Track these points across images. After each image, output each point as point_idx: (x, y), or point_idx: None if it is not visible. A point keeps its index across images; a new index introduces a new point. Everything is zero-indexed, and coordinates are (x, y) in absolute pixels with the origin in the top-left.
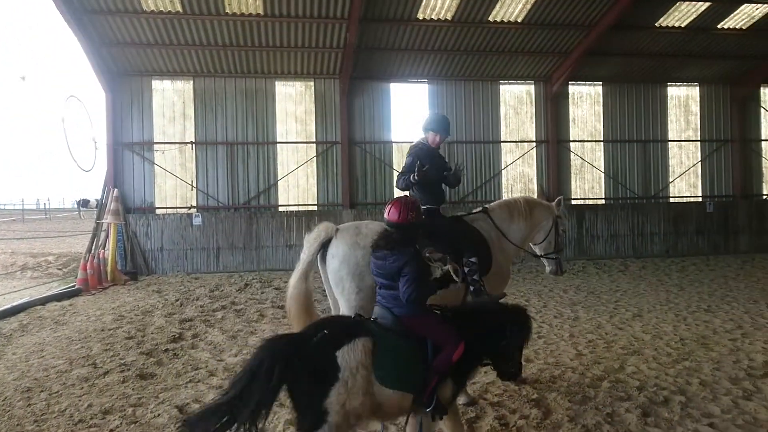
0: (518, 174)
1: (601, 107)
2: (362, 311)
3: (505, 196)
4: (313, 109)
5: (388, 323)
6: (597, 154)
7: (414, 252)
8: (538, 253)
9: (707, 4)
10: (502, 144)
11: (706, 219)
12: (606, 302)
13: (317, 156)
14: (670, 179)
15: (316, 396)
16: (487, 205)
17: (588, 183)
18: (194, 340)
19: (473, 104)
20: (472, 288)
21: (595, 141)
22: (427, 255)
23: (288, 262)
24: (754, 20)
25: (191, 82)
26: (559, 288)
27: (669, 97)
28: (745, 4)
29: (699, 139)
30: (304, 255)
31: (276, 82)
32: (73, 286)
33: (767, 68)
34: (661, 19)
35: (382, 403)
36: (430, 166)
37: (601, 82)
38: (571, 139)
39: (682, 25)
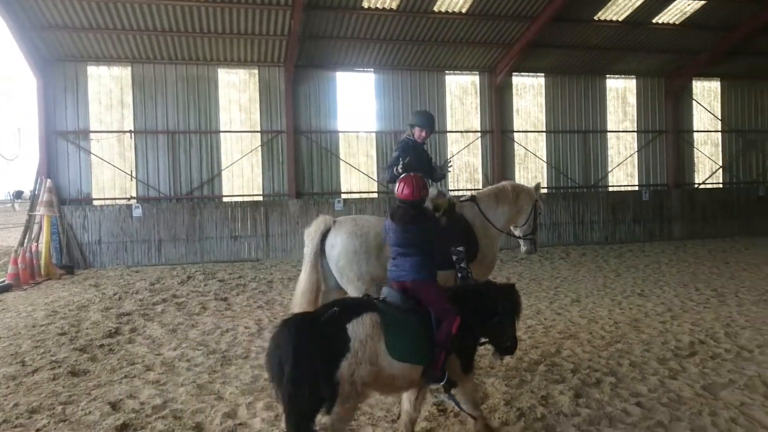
0: (464, 164)
1: (544, 98)
2: (366, 294)
3: (450, 186)
4: (258, 97)
5: (395, 301)
6: (540, 145)
7: (436, 221)
8: (518, 234)
9: None
10: (447, 134)
11: (642, 207)
12: (546, 288)
13: (262, 145)
14: (609, 169)
15: (329, 367)
16: (475, 193)
17: (531, 173)
18: (132, 334)
19: (419, 94)
20: (459, 275)
21: (538, 131)
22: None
23: (233, 254)
24: (686, 16)
25: (129, 68)
26: (502, 276)
27: (608, 89)
28: (678, 0)
29: (636, 130)
30: (308, 248)
31: (219, 70)
32: (3, 281)
33: (699, 62)
34: (600, 12)
35: (395, 376)
36: (414, 160)
37: (543, 74)
38: (515, 129)
39: (620, 19)
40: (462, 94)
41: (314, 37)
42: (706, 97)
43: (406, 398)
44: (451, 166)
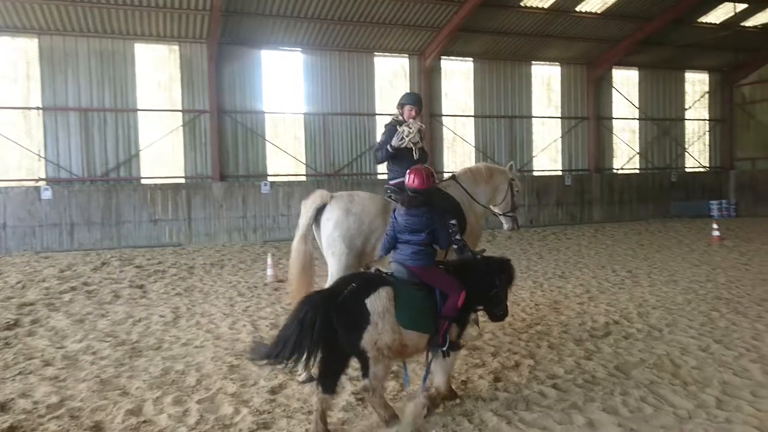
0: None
1: (472, 83)
2: (351, 269)
3: (381, 169)
4: (179, 75)
5: (403, 276)
6: (468, 129)
7: (441, 209)
8: (498, 212)
9: None
10: (377, 117)
11: (565, 191)
12: None
13: (184, 125)
14: (534, 154)
15: (354, 338)
16: (455, 173)
17: (459, 157)
18: (33, 326)
19: (349, 76)
20: (456, 246)
21: (466, 116)
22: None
23: (153, 238)
24: (607, 5)
25: (36, 40)
26: None
27: (533, 76)
28: None
29: (560, 116)
30: (303, 219)
31: (136, 44)
32: None
33: (618, 51)
34: None
35: (405, 343)
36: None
37: (472, 59)
38: (444, 113)
39: (545, 7)
40: (392, 76)
41: (239, 12)
42: (625, 85)
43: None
44: (423, 139)
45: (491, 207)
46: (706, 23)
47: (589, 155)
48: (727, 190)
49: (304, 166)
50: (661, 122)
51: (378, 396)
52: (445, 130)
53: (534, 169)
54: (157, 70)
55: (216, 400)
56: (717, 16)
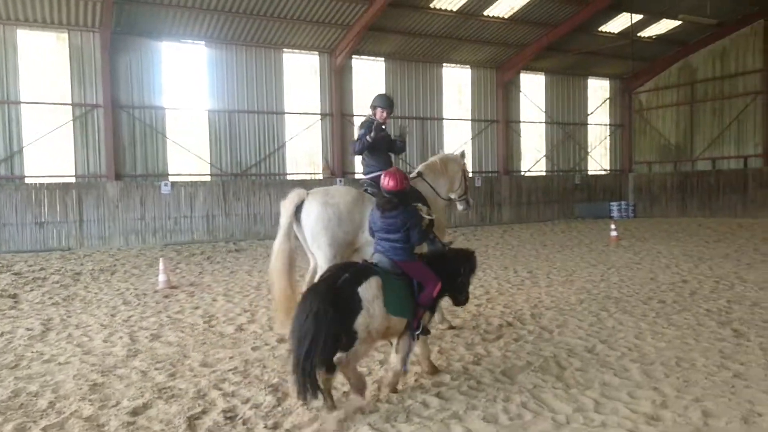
0: (304, 147)
1: (384, 83)
2: (336, 259)
3: (290, 169)
4: (68, 65)
5: (386, 267)
6: None
7: (414, 210)
8: (454, 198)
9: None
10: (286, 115)
11: (476, 193)
12: None
13: (74, 120)
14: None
15: (347, 321)
16: (419, 170)
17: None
18: None
19: (256, 72)
20: (429, 239)
21: None
22: (418, 207)
23: (38, 242)
24: (514, 10)
25: None
26: None
27: (444, 78)
28: None
29: (470, 118)
30: (283, 218)
31: (18, 31)
32: None
33: (525, 56)
34: (435, 1)
35: (389, 327)
36: (378, 136)
37: (383, 59)
38: (355, 113)
39: (454, 9)
40: (302, 74)
41: (135, 0)
42: (533, 89)
43: (393, 353)
44: (408, 131)
45: (450, 195)
46: (607, 32)
47: (498, 157)
48: (626, 192)
49: (209, 165)
50: (566, 126)
51: (351, 368)
52: (356, 131)
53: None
54: (43, 60)
55: (66, 425)
56: (616, 25)
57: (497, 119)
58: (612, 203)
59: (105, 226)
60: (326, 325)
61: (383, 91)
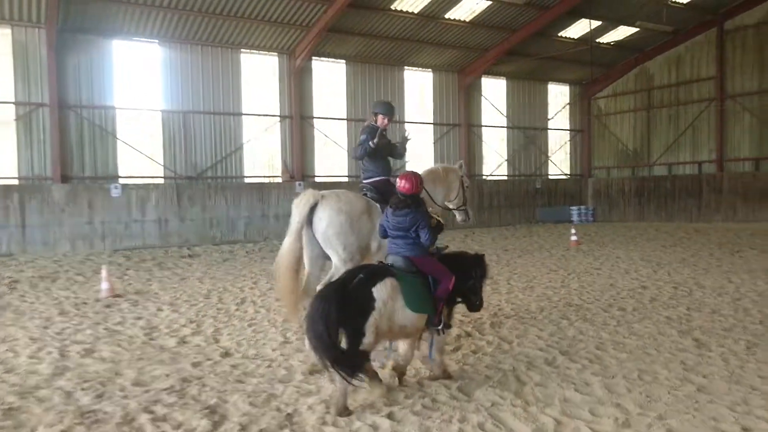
0: (262, 149)
1: (345, 86)
2: (352, 261)
3: (248, 172)
4: (12, 62)
5: (401, 266)
6: (341, 133)
7: (425, 211)
8: (452, 207)
9: None
10: (243, 117)
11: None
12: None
13: (17, 120)
14: (407, 159)
15: (359, 321)
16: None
17: (332, 160)
18: None
19: (212, 72)
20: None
21: (340, 119)
22: (430, 211)
23: None
24: (475, 14)
25: None
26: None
27: (406, 81)
28: None
29: (432, 122)
30: (295, 218)
31: None
32: None
33: (487, 60)
34: (396, 2)
35: (406, 325)
36: (380, 141)
37: (344, 61)
38: (316, 115)
39: (415, 11)
40: (260, 75)
41: None
42: (494, 94)
43: (402, 347)
44: (410, 138)
45: (446, 203)
46: (566, 38)
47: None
48: (586, 196)
49: (162, 167)
50: (527, 131)
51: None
52: (316, 133)
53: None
54: None
55: None
56: (575, 31)
57: (459, 123)
58: (572, 207)
59: (50, 231)
60: (335, 324)
61: (344, 94)
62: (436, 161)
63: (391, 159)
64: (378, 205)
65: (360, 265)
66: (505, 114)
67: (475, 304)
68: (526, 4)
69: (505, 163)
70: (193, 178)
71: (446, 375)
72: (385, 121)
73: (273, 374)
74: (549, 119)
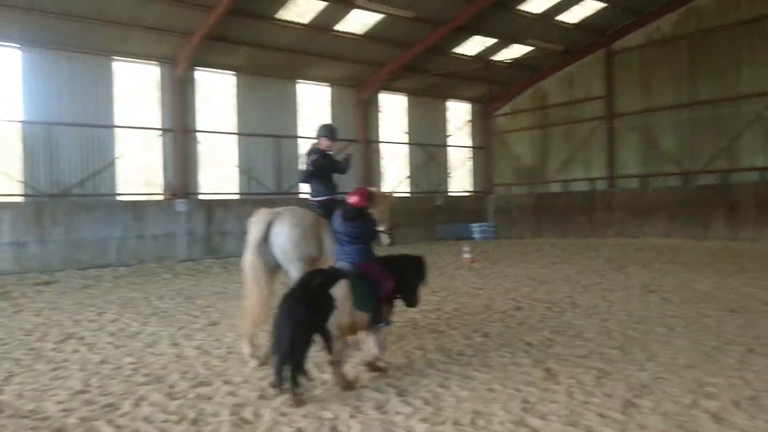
0: (139, 164)
1: (235, 98)
2: (304, 271)
3: (122, 189)
4: None
5: (350, 270)
6: (230, 147)
7: (372, 222)
8: (381, 230)
9: (324, 3)
10: (117, 130)
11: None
12: (197, 308)
13: None
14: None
15: (321, 319)
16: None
17: (220, 176)
18: None
19: (81, 81)
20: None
21: (228, 133)
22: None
23: None
24: (368, 27)
25: None
26: (155, 295)
27: (301, 95)
28: (356, 10)
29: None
30: (253, 235)
31: None
32: None
33: (383, 75)
34: (281, 11)
35: (357, 322)
36: (321, 161)
37: (233, 72)
38: (201, 129)
39: (304, 22)
40: (138, 85)
41: None
42: (394, 110)
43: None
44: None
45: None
46: (462, 54)
47: (358, 178)
48: (487, 213)
49: (21, 184)
50: (428, 148)
51: (340, 367)
52: (202, 148)
53: (302, 191)
54: None
55: None
56: (470, 48)
57: (357, 139)
58: (474, 225)
59: None
60: (301, 323)
61: (234, 107)
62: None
63: (337, 176)
64: (326, 220)
65: (314, 269)
66: (405, 131)
67: (412, 301)
68: (417, 19)
69: (407, 180)
70: (56, 196)
71: (378, 368)
72: (328, 142)
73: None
74: (449, 136)
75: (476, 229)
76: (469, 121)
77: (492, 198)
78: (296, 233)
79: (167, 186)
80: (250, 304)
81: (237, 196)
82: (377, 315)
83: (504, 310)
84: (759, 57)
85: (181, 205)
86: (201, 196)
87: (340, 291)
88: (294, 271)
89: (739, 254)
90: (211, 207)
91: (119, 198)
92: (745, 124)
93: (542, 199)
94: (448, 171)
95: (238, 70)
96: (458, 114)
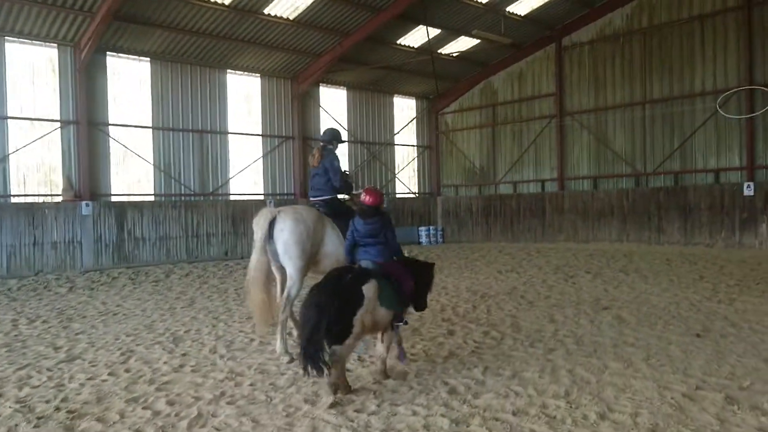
0: (36, 161)
1: (150, 87)
2: (305, 269)
3: (16, 189)
4: None
5: (374, 269)
6: (145, 143)
7: (389, 218)
8: None
9: None
10: (9, 121)
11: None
12: (68, 335)
13: None
14: (231, 175)
15: (348, 315)
16: (354, 192)
17: (133, 176)
18: None
19: None
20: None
21: (142, 127)
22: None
23: None
24: (299, 11)
25: None
26: (29, 317)
27: (229, 86)
28: None
29: (261, 133)
30: (258, 234)
31: None
32: None
33: (321, 66)
34: None
35: (379, 321)
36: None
37: (148, 58)
38: (111, 122)
39: (226, 3)
40: (33, 71)
41: None
42: (334, 105)
43: (379, 342)
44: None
45: None
46: (406, 46)
47: (295, 178)
48: (435, 216)
49: None
50: (372, 146)
51: (342, 362)
52: (113, 144)
53: (231, 192)
54: None
55: None
56: (414, 39)
57: (293, 135)
58: (421, 228)
59: None
60: (330, 314)
61: (149, 97)
62: (265, 177)
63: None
64: (329, 218)
65: (340, 267)
66: (346, 127)
67: (421, 304)
68: (354, 3)
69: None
70: None
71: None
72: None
73: None
74: (395, 134)
75: (424, 232)
76: (416, 118)
77: (440, 200)
78: (300, 229)
79: (67, 186)
80: (254, 306)
81: (152, 198)
82: (399, 314)
83: (433, 337)
84: (712, 53)
85: (87, 207)
86: (113, 198)
87: (371, 289)
88: (292, 268)
89: (694, 261)
90: (123, 210)
91: (13, 200)
92: (699, 123)
93: (491, 201)
94: (394, 171)
95: (154, 56)
96: (404, 111)
